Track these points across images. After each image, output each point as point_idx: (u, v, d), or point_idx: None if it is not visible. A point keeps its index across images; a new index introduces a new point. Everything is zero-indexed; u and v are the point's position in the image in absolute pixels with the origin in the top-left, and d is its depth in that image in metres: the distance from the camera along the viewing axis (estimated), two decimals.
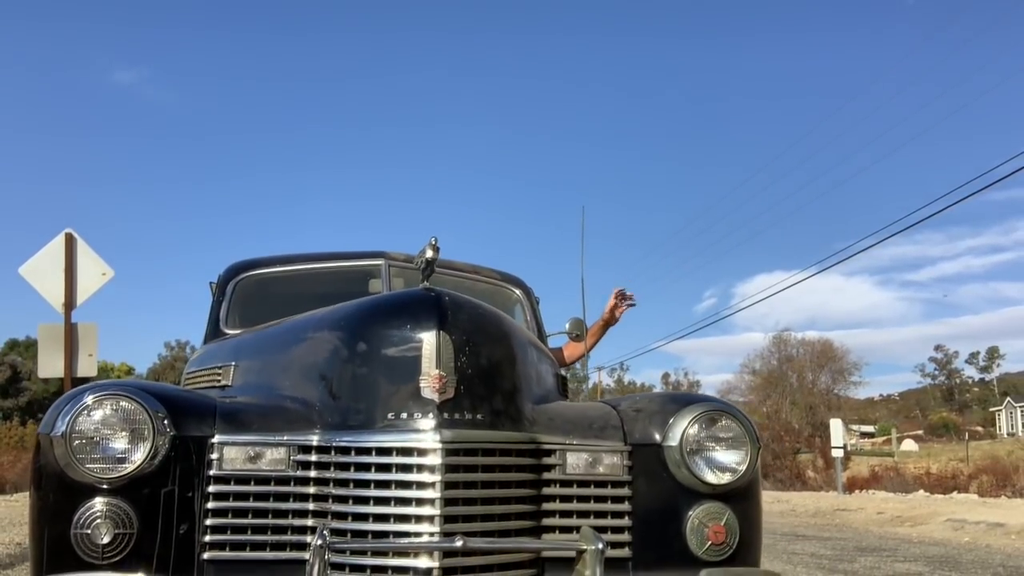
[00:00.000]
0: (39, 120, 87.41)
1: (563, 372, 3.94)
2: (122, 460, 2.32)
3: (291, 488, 2.42)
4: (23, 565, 7.11)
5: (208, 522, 2.37)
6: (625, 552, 2.55)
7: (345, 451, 2.41)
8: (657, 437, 2.62)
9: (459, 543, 2.23)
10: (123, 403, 2.35)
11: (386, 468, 2.36)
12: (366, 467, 2.38)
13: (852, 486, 24.20)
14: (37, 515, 2.40)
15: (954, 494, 18.80)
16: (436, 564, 2.28)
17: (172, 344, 50.23)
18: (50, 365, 8.15)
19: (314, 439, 2.45)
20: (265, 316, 3.79)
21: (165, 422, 2.36)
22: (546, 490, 2.54)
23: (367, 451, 2.39)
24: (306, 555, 2.27)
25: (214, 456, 2.40)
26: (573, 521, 2.53)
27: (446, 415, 2.39)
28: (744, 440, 2.62)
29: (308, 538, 2.36)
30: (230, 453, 2.41)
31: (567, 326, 4.58)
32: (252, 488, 2.41)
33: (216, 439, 2.41)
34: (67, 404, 2.38)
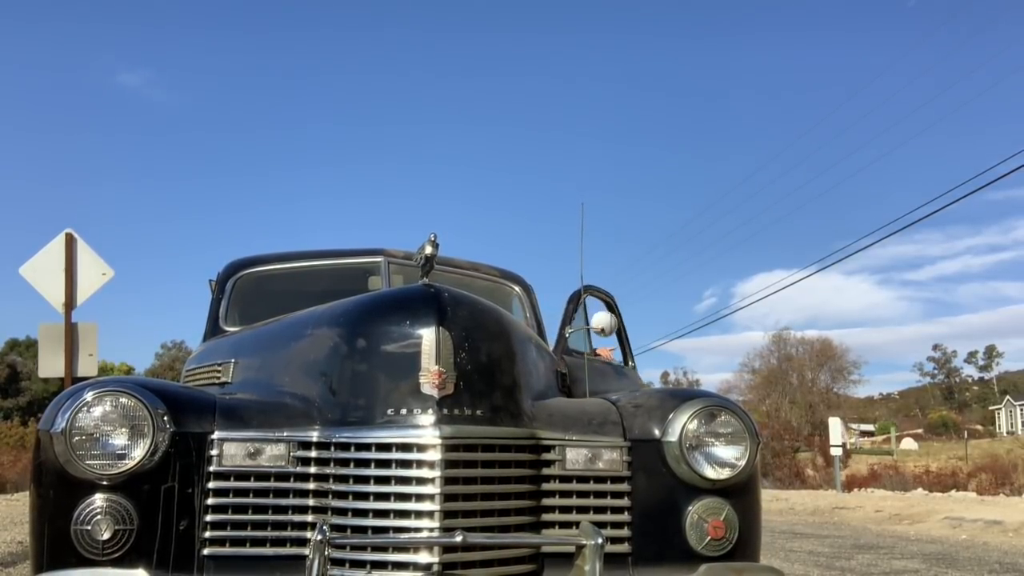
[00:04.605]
0: (40, 120, 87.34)
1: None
2: (122, 456, 2.33)
3: (291, 484, 2.42)
4: (24, 564, 7.12)
5: (208, 518, 2.38)
6: (625, 547, 2.56)
7: (345, 447, 2.41)
8: (656, 433, 2.62)
9: (459, 538, 2.24)
10: (123, 399, 2.36)
11: (386, 464, 2.37)
12: (366, 463, 2.38)
13: (851, 484, 24.22)
14: (37, 512, 2.41)
15: (953, 492, 18.82)
16: (436, 559, 2.29)
17: (168, 344, 50.23)
18: (50, 365, 8.15)
19: (314, 435, 2.45)
20: (264, 313, 3.79)
21: (165, 418, 2.37)
22: (546, 486, 2.54)
23: (367, 447, 2.39)
24: (306, 551, 2.27)
25: (214, 452, 2.41)
26: (573, 516, 2.54)
27: (445, 411, 2.40)
28: (743, 435, 2.63)
29: (308, 534, 2.36)
30: (230, 449, 2.42)
31: (596, 323, 4.14)
32: (252, 484, 2.41)
33: (216, 435, 2.42)
34: (67, 400, 2.39)
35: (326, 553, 2.20)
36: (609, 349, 4.54)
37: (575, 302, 3.99)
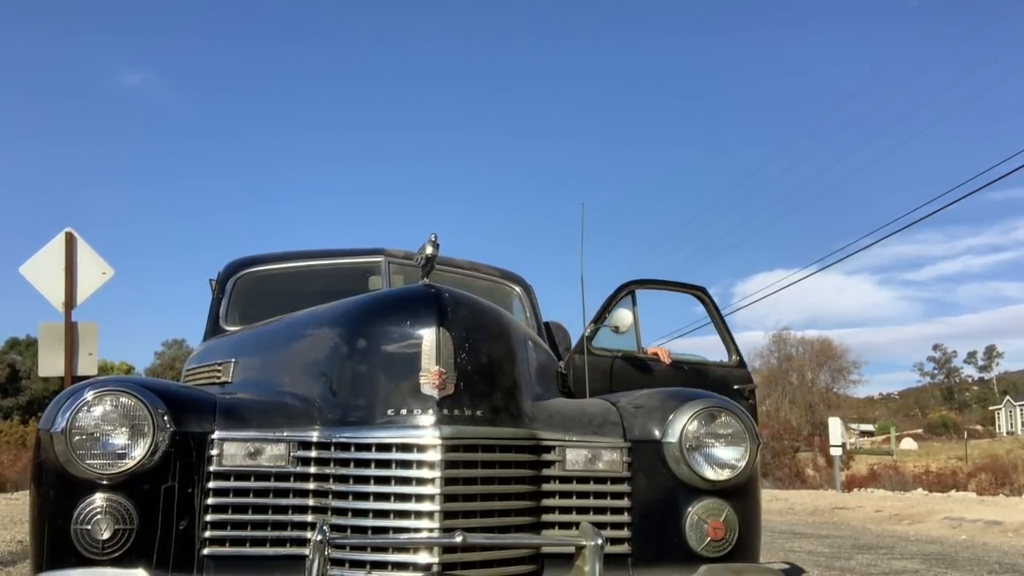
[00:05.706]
0: (41, 120, 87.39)
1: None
2: (122, 456, 2.33)
3: (291, 484, 2.43)
4: (24, 563, 7.12)
5: (208, 518, 2.38)
6: (624, 548, 2.56)
7: (345, 447, 2.41)
8: (657, 433, 2.62)
9: (459, 539, 2.24)
10: (123, 399, 2.36)
11: (386, 464, 2.37)
12: (366, 463, 2.39)
13: (851, 484, 24.22)
14: (37, 511, 2.41)
15: (952, 492, 18.82)
16: (436, 560, 2.29)
17: (168, 343, 50.20)
18: (50, 364, 8.14)
19: (314, 435, 2.45)
20: (265, 313, 3.79)
21: (165, 418, 2.37)
22: (546, 486, 2.54)
23: (367, 447, 2.39)
24: (306, 551, 2.27)
25: (214, 452, 2.41)
26: (573, 517, 2.54)
27: (446, 411, 2.40)
28: (743, 436, 2.63)
29: (308, 534, 2.36)
30: (230, 449, 2.42)
31: (613, 320, 3.95)
32: (252, 484, 2.41)
33: (216, 435, 2.42)
34: (67, 400, 2.39)
35: (326, 553, 2.20)
36: (667, 351, 4.41)
37: (612, 300, 3.94)
